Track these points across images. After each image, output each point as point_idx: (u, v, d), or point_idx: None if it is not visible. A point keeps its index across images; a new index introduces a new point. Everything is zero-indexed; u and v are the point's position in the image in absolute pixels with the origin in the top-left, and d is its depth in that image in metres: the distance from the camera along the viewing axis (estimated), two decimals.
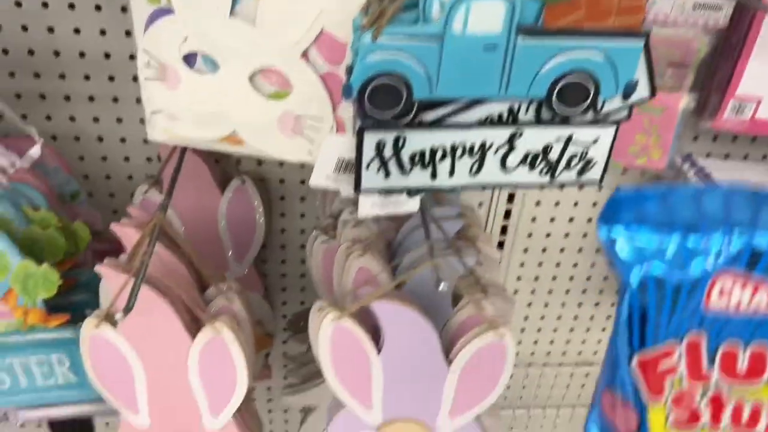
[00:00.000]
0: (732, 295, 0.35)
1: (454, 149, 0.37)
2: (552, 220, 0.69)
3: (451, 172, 0.38)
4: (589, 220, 0.69)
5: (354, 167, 0.37)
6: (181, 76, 0.43)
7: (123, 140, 0.60)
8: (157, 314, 0.44)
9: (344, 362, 0.46)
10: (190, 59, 0.43)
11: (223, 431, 0.51)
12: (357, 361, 0.45)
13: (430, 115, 0.36)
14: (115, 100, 0.57)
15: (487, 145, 0.37)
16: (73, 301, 0.52)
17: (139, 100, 0.58)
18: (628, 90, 0.36)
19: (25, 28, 0.53)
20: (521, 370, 0.81)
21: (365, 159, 0.37)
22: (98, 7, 0.53)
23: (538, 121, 0.37)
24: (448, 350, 0.46)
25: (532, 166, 0.38)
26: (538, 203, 0.67)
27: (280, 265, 0.70)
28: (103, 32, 0.54)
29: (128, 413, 0.50)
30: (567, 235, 0.70)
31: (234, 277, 0.63)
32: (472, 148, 0.37)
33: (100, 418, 0.78)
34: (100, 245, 0.58)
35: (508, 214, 0.68)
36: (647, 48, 0.35)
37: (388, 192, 0.39)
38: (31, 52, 0.54)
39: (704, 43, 0.56)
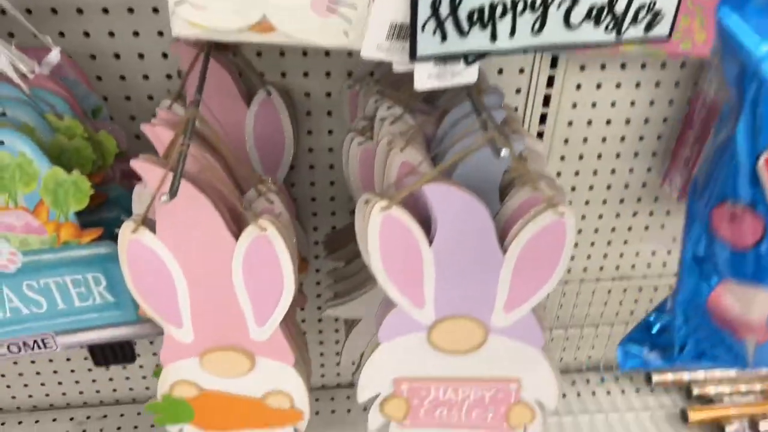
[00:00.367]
0: None
1: (515, 4, 0.34)
2: (589, 123, 0.66)
3: (512, 32, 0.35)
4: (628, 121, 0.66)
5: (408, 32, 0.35)
6: None
7: (141, 56, 0.57)
8: (197, 213, 0.41)
9: (394, 257, 0.44)
10: None
11: (270, 342, 0.49)
12: (408, 255, 0.43)
13: None
14: (131, 10, 0.54)
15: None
16: (104, 218, 0.50)
17: (156, 9, 0.55)
18: None
19: None
20: (557, 288, 0.80)
21: (420, 19, 0.34)
22: None
23: None
24: (502, 240, 0.43)
25: (597, 21, 0.36)
26: (574, 105, 0.64)
27: (309, 188, 0.68)
28: None
29: (171, 327, 0.48)
30: (604, 139, 0.67)
31: None
32: (533, 2, 0.34)
33: (142, 342, 0.77)
34: (125, 167, 0.56)
35: (543, 119, 0.65)
36: None
37: (445, 60, 0.36)
38: None
39: None
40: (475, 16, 0.34)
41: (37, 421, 0.82)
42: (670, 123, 0.67)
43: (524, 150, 0.49)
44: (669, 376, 0.85)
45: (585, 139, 0.67)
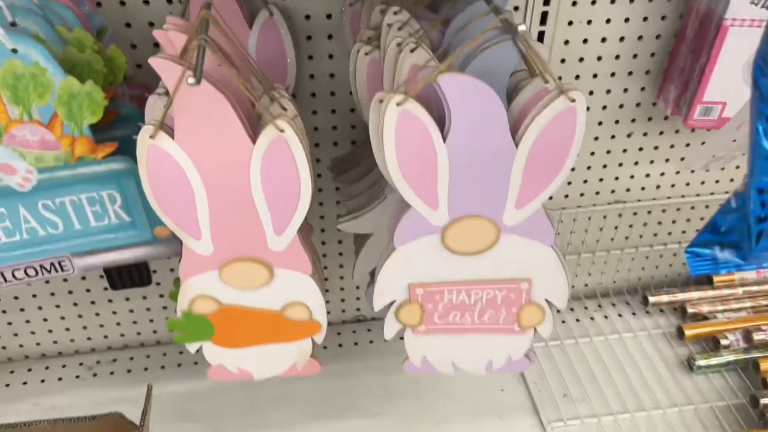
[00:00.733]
0: None
1: None
2: (585, 41, 0.67)
3: None
4: (622, 39, 0.67)
5: None
6: None
7: None
8: (216, 115, 0.42)
9: (409, 155, 0.44)
10: None
11: (288, 252, 0.50)
12: (422, 152, 0.44)
13: None
14: None
15: None
16: (116, 137, 0.50)
17: None
18: None
19: None
20: (554, 215, 0.81)
21: None
22: None
23: None
24: (513, 135, 0.45)
25: None
26: (570, 23, 0.65)
27: (311, 118, 0.68)
28: None
29: (190, 240, 0.49)
30: (600, 58, 0.69)
31: None
32: None
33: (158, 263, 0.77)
34: (132, 90, 0.56)
35: (540, 37, 0.66)
36: None
37: None
38: None
39: None
40: None
41: (47, 368, 0.82)
42: (663, 39, 0.68)
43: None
44: (664, 298, 0.88)
45: (581, 59, 0.68)
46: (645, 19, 0.66)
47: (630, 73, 0.70)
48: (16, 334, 0.81)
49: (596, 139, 0.75)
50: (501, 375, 0.80)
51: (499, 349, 0.58)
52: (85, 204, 0.50)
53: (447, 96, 0.42)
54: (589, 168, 0.78)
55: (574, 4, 0.64)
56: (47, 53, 0.42)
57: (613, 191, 0.81)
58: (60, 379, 0.81)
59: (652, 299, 0.87)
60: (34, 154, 0.46)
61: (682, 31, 0.66)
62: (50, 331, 0.81)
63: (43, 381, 0.81)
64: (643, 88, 0.72)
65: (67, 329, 0.82)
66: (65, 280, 0.76)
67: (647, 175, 0.80)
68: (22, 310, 0.78)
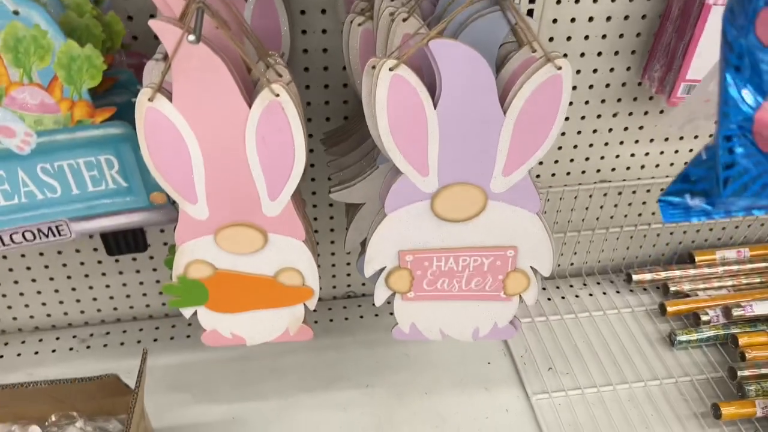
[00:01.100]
0: None
1: None
2: (573, 20, 0.68)
3: None
4: (608, 18, 0.69)
5: None
6: None
7: None
8: (213, 77, 0.43)
9: (401, 121, 0.46)
10: None
11: (282, 217, 0.52)
12: (413, 118, 0.46)
13: None
14: None
15: None
16: (114, 102, 0.51)
17: None
18: None
19: None
20: (541, 195, 0.83)
21: None
22: None
23: None
24: (501, 102, 0.46)
25: None
26: (558, 2, 0.67)
27: (304, 92, 0.69)
28: None
29: (186, 204, 0.50)
30: (587, 37, 0.70)
31: None
32: None
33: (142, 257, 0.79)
34: (129, 59, 0.57)
35: (529, 15, 0.67)
36: None
37: None
38: None
39: None
40: None
41: (40, 340, 0.83)
42: (649, 19, 0.70)
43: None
44: (647, 276, 0.90)
45: (569, 38, 0.70)
46: None
47: (616, 53, 0.72)
48: (9, 307, 0.82)
49: (582, 118, 0.77)
50: (487, 348, 0.82)
51: (485, 316, 0.59)
52: (83, 168, 0.51)
53: (438, 61, 0.43)
54: (575, 147, 0.80)
55: None
56: (48, 16, 0.43)
57: (598, 170, 0.83)
58: (53, 351, 0.82)
59: (635, 277, 0.90)
60: (34, 116, 0.47)
61: (667, 10, 0.67)
62: (44, 303, 0.82)
63: (36, 353, 0.82)
64: (628, 68, 0.74)
65: (61, 302, 0.83)
66: (59, 252, 0.77)
67: (632, 155, 0.82)
68: (16, 282, 0.79)
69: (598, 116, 0.77)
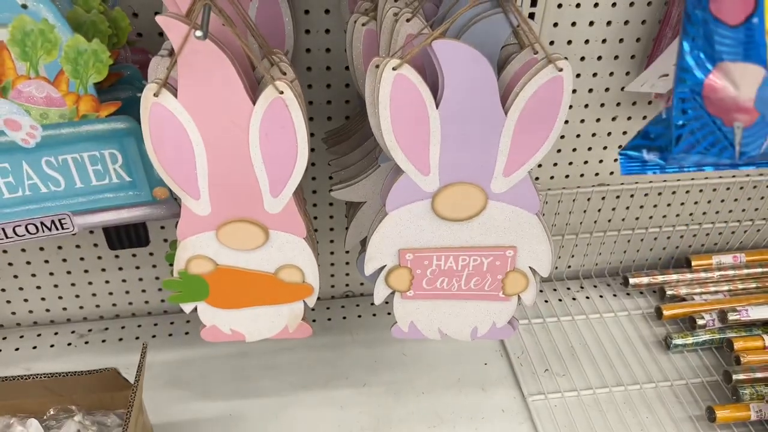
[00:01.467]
0: None
1: None
2: (573, 24, 0.69)
3: None
4: (609, 23, 0.70)
5: None
6: None
7: None
8: (218, 73, 0.44)
9: (403, 120, 0.46)
10: None
11: (283, 215, 0.52)
12: (416, 118, 0.46)
13: None
14: None
15: None
16: (120, 97, 0.51)
17: None
18: None
19: None
20: (540, 197, 0.83)
21: None
22: None
23: None
24: (503, 102, 0.47)
25: None
26: (559, 6, 0.68)
27: (306, 91, 0.70)
28: None
29: (189, 199, 0.50)
30: (587, 41, 0.71)
31: None
32: None
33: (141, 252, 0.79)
34: (134, 55, 0.57)
35: (531, 19, 0.68)
36: None
37: None
38: None
39: None
40: None
41: (39, 335, 0.83)
42: (649, 24, 0.70)
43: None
44: (644, 280, 0.90)
45: (569, 41, 0.70)
46: (631, 4, 0.69)
47: (616, 57, 0.73)
48: (8, 302, 0.82)
49: (582, 121, 0.78)
50: (484, 349, 0.82)
51: (484, 316, 0.60)
52: (87, 162, 0.51)
53: (440, 61, 0.44)
54: (574, 150, 0.81)
55: None
56: (56, 10, 0.44)
57: (597, 174, 0.84)
58: (52, 346, 0.82)
59: (632, 281, 0.90)
60: (40, 110, 0.48)
61: (666, 16, 0.68)
62: (43, 298, 0.82)
63: (35, 348, 0.82)
64: (628, 73, 0.74)
65: (60, 297, 0.83)
66: (60, 247, 0.77)
67: None
68: (15, 277, 0.79)
69: (597, 120, 0.78)
